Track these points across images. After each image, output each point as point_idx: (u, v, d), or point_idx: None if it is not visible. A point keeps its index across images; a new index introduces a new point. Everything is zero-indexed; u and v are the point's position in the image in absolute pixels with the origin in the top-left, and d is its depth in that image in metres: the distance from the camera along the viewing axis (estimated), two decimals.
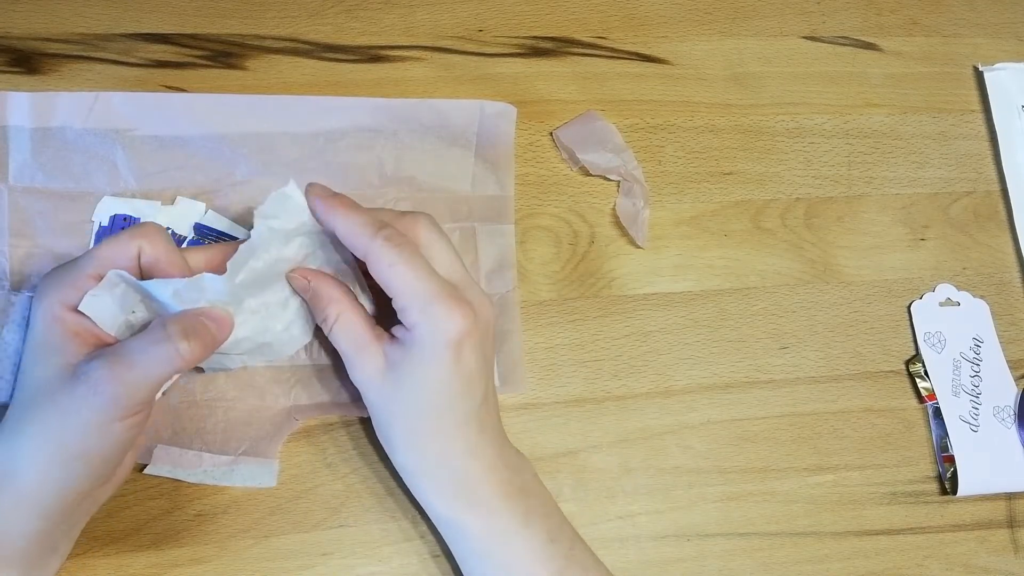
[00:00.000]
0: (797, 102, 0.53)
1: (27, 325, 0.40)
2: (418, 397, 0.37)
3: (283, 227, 0.37)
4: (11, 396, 0.37)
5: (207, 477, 0.40)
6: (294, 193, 0.37)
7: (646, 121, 0.51)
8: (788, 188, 0.51)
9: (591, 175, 0.49)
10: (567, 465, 0.44)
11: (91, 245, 0.42)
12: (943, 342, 0.50)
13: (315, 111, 0.46)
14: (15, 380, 0.39)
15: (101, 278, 0.34)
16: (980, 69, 0.55)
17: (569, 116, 0.49)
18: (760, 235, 0.50)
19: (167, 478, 0.40)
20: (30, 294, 0.40)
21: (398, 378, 0.37)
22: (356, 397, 0.41)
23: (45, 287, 0.35)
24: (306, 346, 0.42)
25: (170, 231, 0.42)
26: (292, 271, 0.38)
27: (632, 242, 0.48)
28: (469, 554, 0.39)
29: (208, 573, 0.40)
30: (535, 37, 0.51)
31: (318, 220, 0.37)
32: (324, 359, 0.43)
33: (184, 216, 0.43)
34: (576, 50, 0.51)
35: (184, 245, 0.42)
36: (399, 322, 0.37)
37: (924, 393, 0.49)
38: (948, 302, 0.51)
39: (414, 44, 0.49)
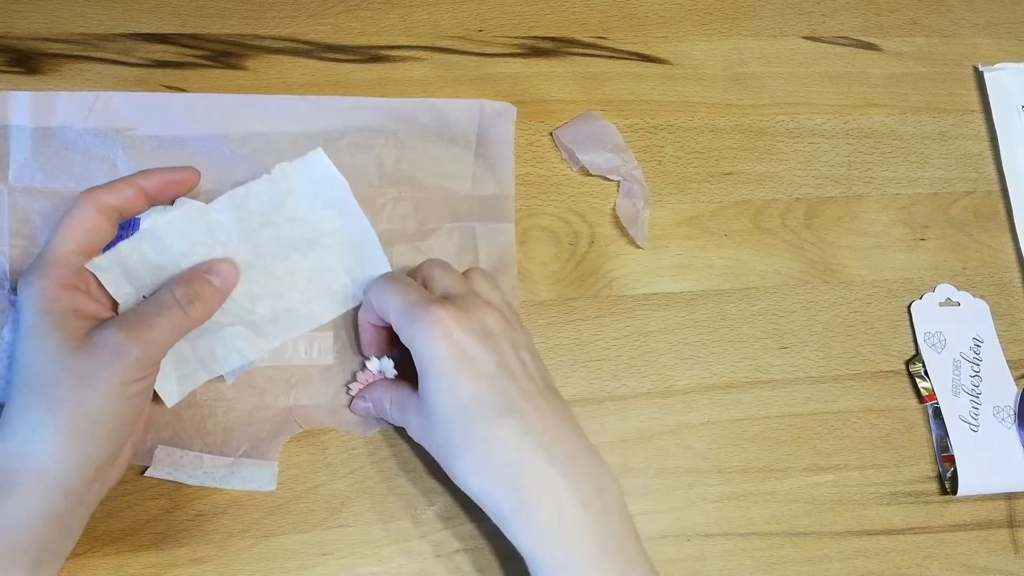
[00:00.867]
0: (797, 102, 0.53)
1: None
2: (444, 409, 0.36)
3: (297, 188, 0.41)
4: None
5: (207, 479, 0.40)
6: (318, 161, 0.41)
7: (646, 121, 0.51)
8: (788, 188, 0.51)
9: (591, 175, 0.49)
10: None
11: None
12: (943, 342, 0.50)
13: (315, 111, 0.46)
14: None
15: (83, 251, 0.36)
16: (980, 69, 0.55)
17: (569, 116, 0.49)
18: (760, 235, 0.50)
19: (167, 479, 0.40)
20: None
21: (424, 404, 0.37)
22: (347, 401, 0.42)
23: (31, 274, 0.35)
24: (306, 346, 0.42)
25: None
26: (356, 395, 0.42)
27: (632, 242, 0.48)
28: None
29: (208, 573, 0.40)
30: (535, 37, 0.51)
31: None
32: (324, 359, 0.43)
33: None
34: (576, 50, 0.51)
35: None
36: None
37: (924, 393, 0.49)
38: (948, 302, 0.51)
39: (414, 44, 0.49)
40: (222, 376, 0.41)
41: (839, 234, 0.51)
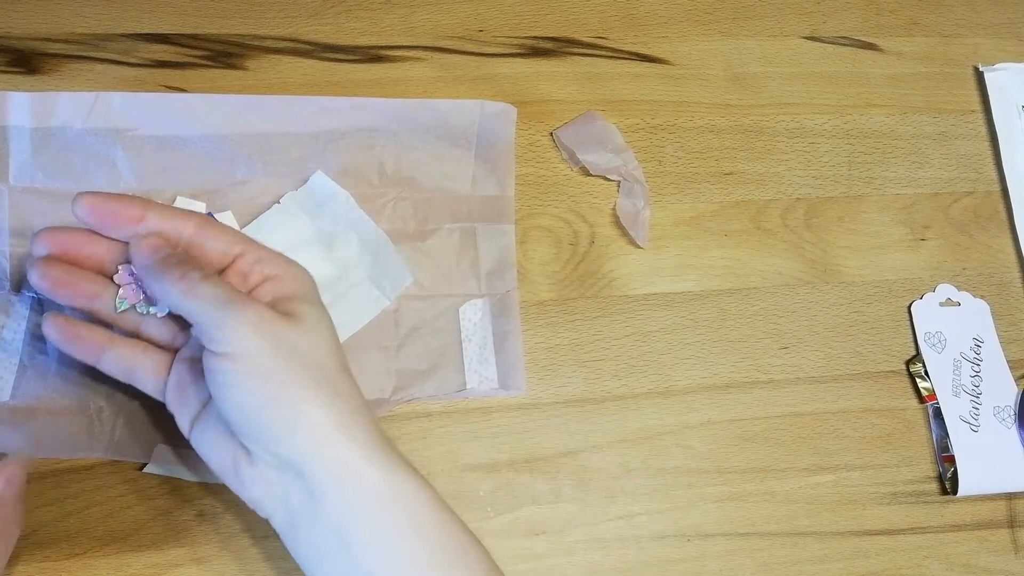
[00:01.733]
0: (797, 102, 0.53)
1: (28, 325, 0.40)
2: None
3: (307, 211, 0.43)
4: (11, 396, 0.37)
5: (207, 476, 0.40)
6: (320, 183, 0.43)
7: (646, 121, 0.51)
8: (788, 188, 0.51)
9: (591, 175, 0.49)
10: (567, 465, 0.44)
11: None
12: (943, 342, 0.50)
13: (315, 111, 0.46)
14: (15, 379, 0.39)
15: None
16: (980, 69, 0.55)
17: (569, 116, 0.49)
18: (760, 235, 0.50)
19: (167, 478, 0.40)
20: (30, 294, 0.40)
21: None
22: None
23: None
24: None
25: None
26: None
27: (632, 242, 0.48)
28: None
29: (208, 573, 0.40)
30: (535, 37, 0.51)
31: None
32: None
33: None
34: (576, 50, 0.51)
35: None
36: None
37: (924, 393, 0.49)
38: (948, 302, 0.51)
39: (414, 44, 0.49)
40: None
41: (839, 234, 0.51)
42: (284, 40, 0.48)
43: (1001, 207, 0.54)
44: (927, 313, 0.50)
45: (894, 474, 0.47)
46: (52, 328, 0.36)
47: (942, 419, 0.48)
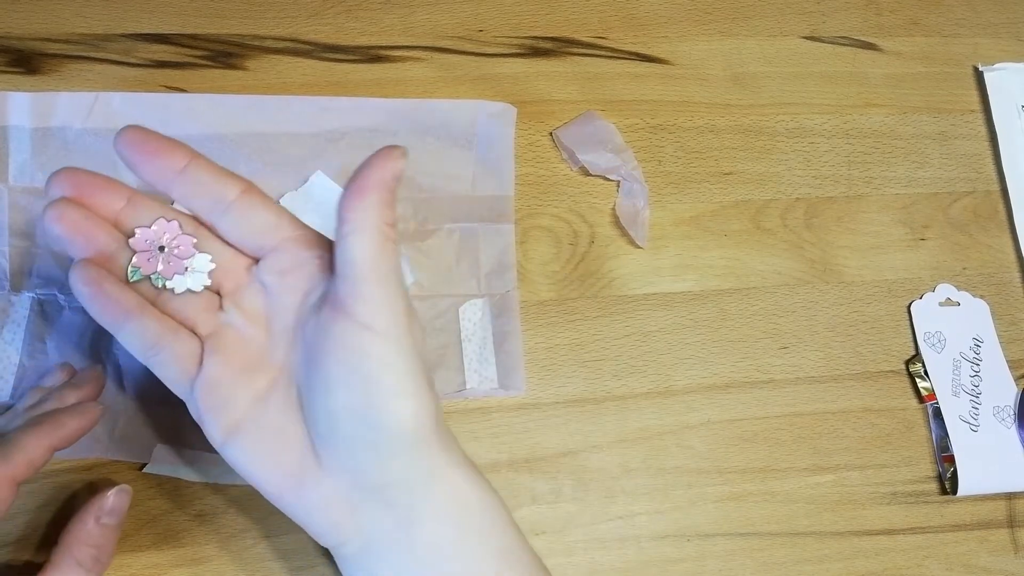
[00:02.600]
0: (797, 102, 0.53)
1: (27, 325, 0.40)
2: None
3: (308, 211, 0.42)
4: (11, 396, 0.37)
5: (207, 476, 0.40)
6: (320, 183, 0.43)
7: (646, 121, 0.51)
8: (788, 188, 0.51)
9: (591, 175, 0.49)
10: (567, 465, 0.44)
11: None
12: (943, 342, 0.50)
13: (315, 111, 0.46)
14: (15, 380, 0.39)
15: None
16: (980, 69, 0.55)
17: (569, 116, 0.49)
18: (760, 235, 0.50)
19: (167, 478, 0.40)
20: (30, 294, 0.40)
21: None
22: None
23: None
24: None
25: None
26: None
27: (632, 242, 0.48)
28: None
29: (208, 573, 0.40)
30: (535, 37, 0.51)
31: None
32: None
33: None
34: (576, 50, 0.51)
35: None
36: None
37: (924, 393, 0.49)
38: (948, 302, 0.51)
39: (414, 44, 0.49)
40: None
41: (839, 234, 0.51)
42: (284, 40, 0.48)
43: (1001, 207, 0.54)
44: (927, 313, 0.50)
45: (894, 474, 0.47)
46: (81, 276, 0.30)
47: (942, 419, 0.48)
